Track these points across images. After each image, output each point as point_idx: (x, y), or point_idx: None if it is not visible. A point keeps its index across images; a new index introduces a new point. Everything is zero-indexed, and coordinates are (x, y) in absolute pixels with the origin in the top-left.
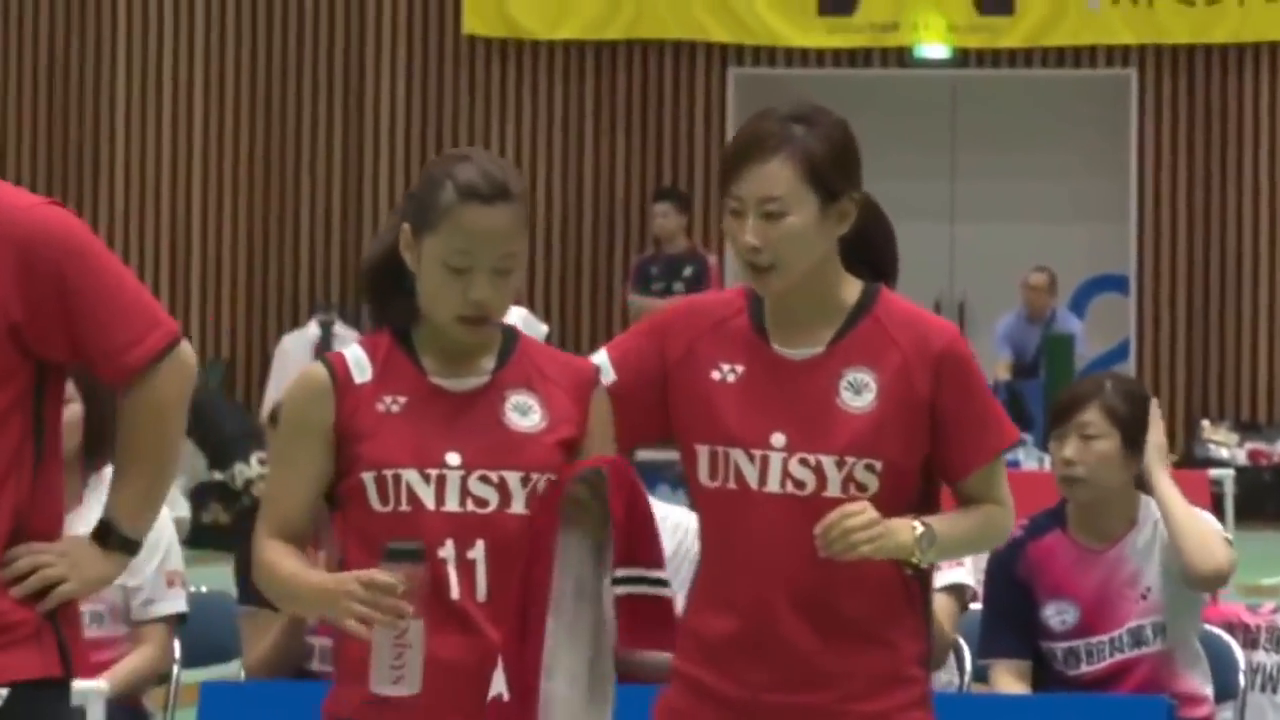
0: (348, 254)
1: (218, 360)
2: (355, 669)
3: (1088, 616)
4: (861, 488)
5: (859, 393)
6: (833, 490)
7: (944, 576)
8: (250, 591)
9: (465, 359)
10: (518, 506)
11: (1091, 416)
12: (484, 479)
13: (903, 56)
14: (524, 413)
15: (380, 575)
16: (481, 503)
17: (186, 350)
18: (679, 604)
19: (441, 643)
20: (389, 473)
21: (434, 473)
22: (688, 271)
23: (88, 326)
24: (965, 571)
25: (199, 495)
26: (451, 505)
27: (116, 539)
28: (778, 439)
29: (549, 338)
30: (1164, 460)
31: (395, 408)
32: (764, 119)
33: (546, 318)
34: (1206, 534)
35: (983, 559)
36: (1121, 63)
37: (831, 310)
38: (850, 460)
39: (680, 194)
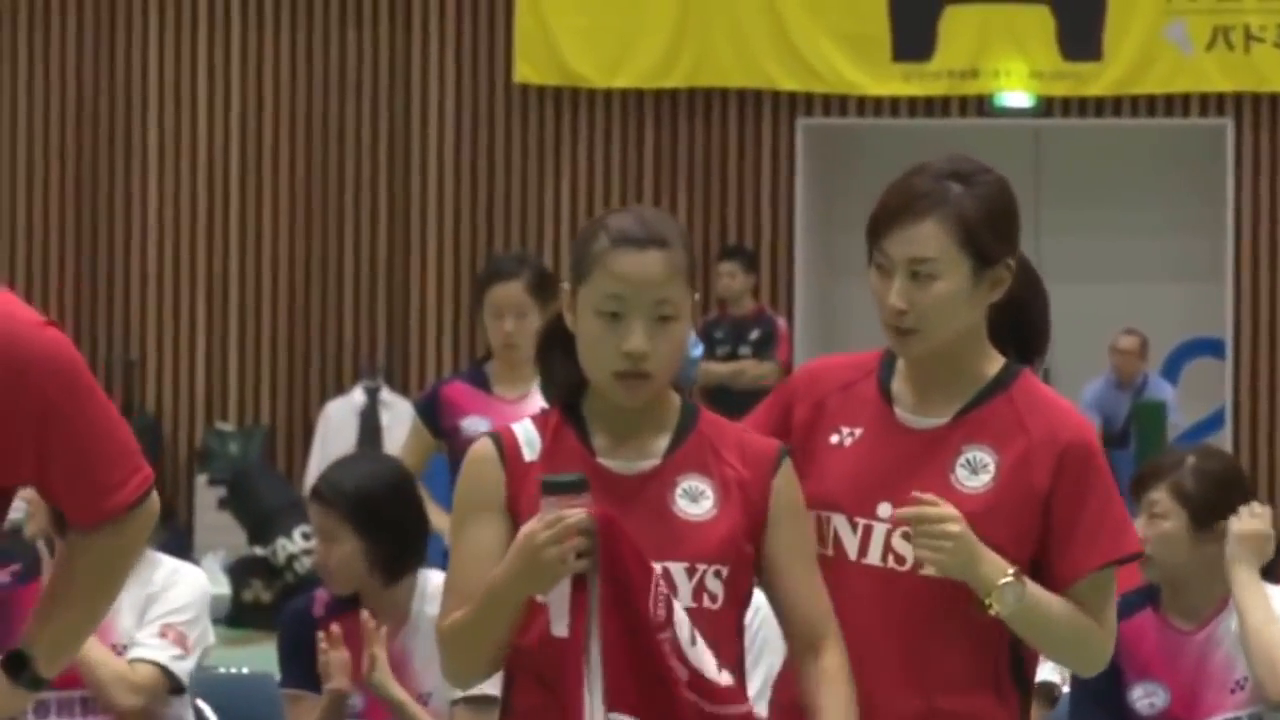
0: (394, 315)
1: (257, 427)
2: None
3: (1178, 702)
4: None
5: (976, 472)
6: (929, 568)
7: None
8: (294, 674)
9: (636, 436)
10: (684, 599)
11: (1158, 495)
12: None
13: (983, 105)
14: (694, 499)
15: (564, 512)
16: None
17: (154, 496)
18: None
19: None
20: None
21: None
22: (755, 334)
23: (67, 461)
24: (1052, 668)
25: (238, 571)
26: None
27: (28, 677)
28: (884, 509)
29: None
30: (1248, 554)
31: None
32: (920, 174)
33: None
34: (1275, 654)
35: None
36: (1217, 112)
37: (966, 382)
38: None
39: (747, 252)
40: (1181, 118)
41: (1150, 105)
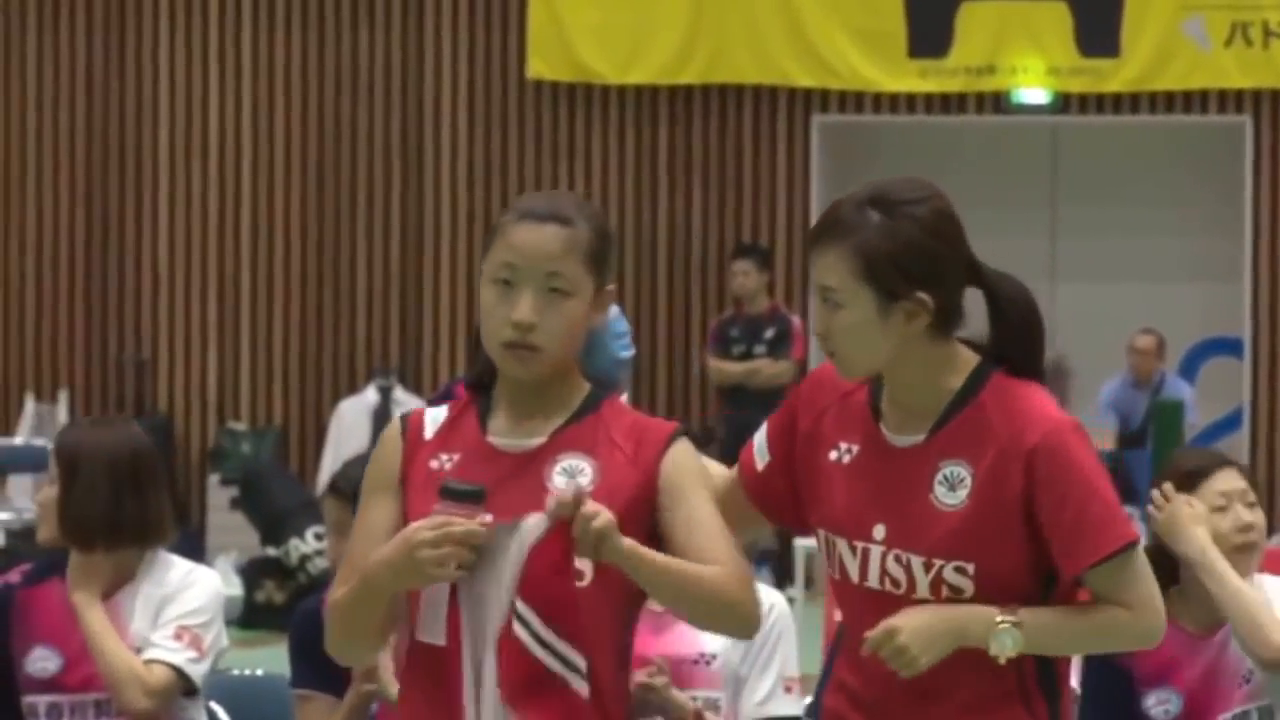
0: (407, 313)
1: (270, 428)
2: None
3: (1191, 705)
4: (956, 591)
5: (953, 488)
6: (922, 593)
7: None
8: (305, 674)
9: (531, 418)
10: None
11: (1245, 484)
12: None
13: (999, 102)
14: (570, 476)
15: (453, 521)
16: None
17: None
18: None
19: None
20: None
21: None
22: (770, 333)
23: None
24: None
25: (251, 572)
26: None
27: None
28: (879, 531)
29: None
30: (1202, 524)
31: (449, 464)
32: (846, 200)
33: None
34: (1257, 613)
35: None
36: (1235, 109)
37: (936, 397)
38: (938, 563)
39: (761, 250)
40: (1200, 115)
41: (1168, 102)
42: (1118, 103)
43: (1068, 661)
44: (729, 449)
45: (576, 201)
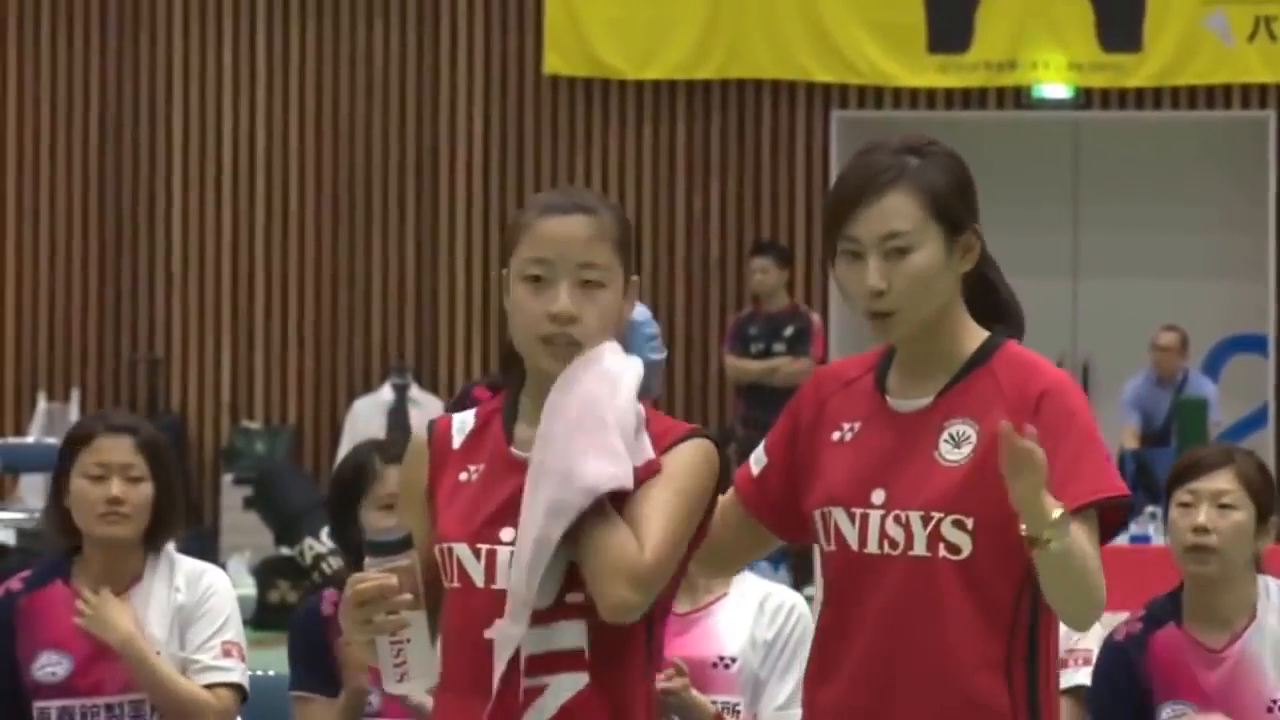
0: (423, 310)
1: (284, 427)
2: None
3: None
4: (952, 548)
5: (958, 445)
6: (919, 549)
7: (1068, 677)
8: (303, 676)
9: None
10: None
11: (1228, 484)
12: None
13: (1020, 97)
14: None
15: (367, 579)
16: None
17: None
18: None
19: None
20: (446, 547)
21: (485, 548)
22: (789, 331)
23: None
24: (1089, 672)
25: (265, 572)
26: (500, 583)
27: None
28: (878, 496)
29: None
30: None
31: (475, 476)
32: (873, 152)
33: None
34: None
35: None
36: (1259, 104)
37: (950, 360)
38: (936, 515)
39: (780, 247)
40: (1223, 110)
41: (1191, 97)
42: (1140, 98)
43: (1052, 645)
44: (748, 450)
45: (594, 194)
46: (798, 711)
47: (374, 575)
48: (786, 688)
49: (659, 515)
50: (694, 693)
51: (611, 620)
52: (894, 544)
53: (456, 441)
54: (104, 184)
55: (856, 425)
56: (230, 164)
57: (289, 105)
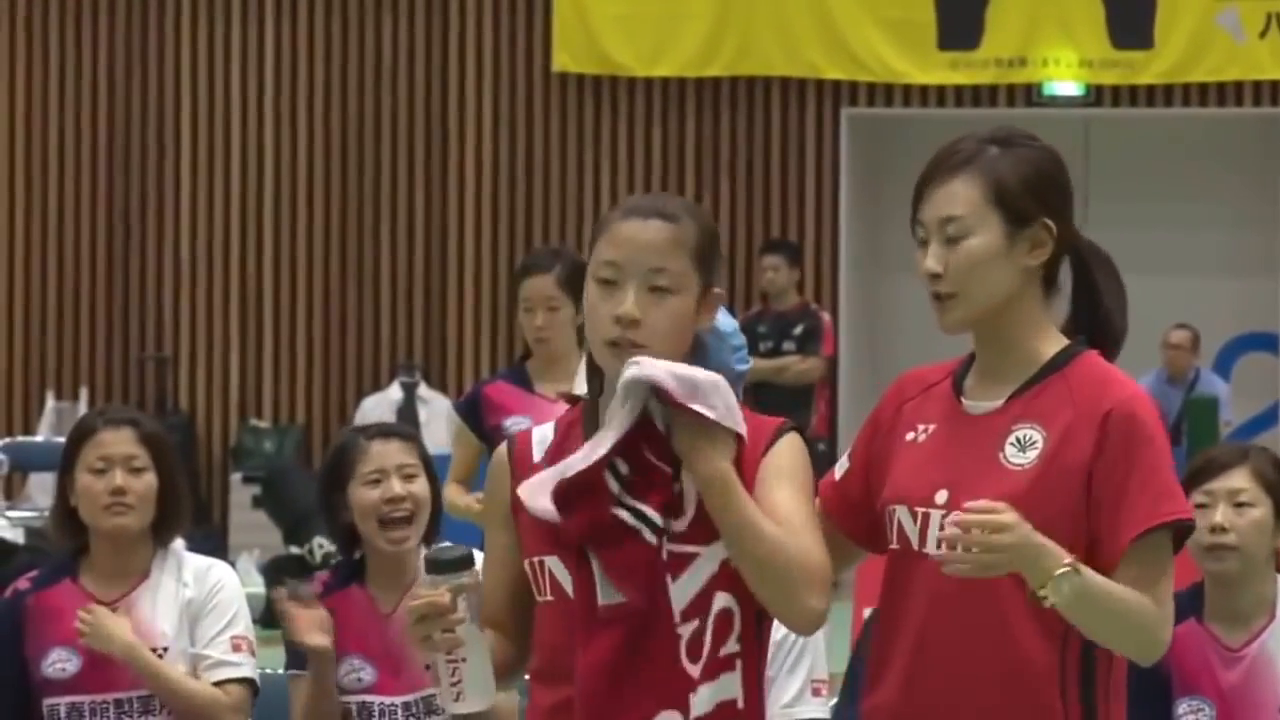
0: (431, 308)
1: (293, 425)
2: None
3: (1223, 718)
4: None
5: (1024, 449)
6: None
7: None
8: (296, 655)
9: None
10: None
11: (1243, 482)
12: None
13: (1031, 94)
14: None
15: (419, 596)
16: None
17: None
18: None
19: None
20: (537, 560)
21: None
22: (799, 330)
23: None
24: None
25: (273, 570)
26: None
27: None
28: (941, 495)
29: None
30: None
31: None
32: (962, 139)
33: None
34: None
35: None
36: (1270, 101)
37: (1027, 365)
38: None
39: (790, 245)
40: (1234, 107)
41: (1202, 94)
42: (1151, 95)
43: (1110, 654)
44: None
45: (684, 201)
46: (805, 709)
47: (427, 593)
48: (794, 685)
49: (802, 518)
50: None
51: (803, 632)
52: (954, 547)
53: (537, 455)
54: (112, 181)
55: (931, 427)
56: (238, 162)
57: (297, 103)
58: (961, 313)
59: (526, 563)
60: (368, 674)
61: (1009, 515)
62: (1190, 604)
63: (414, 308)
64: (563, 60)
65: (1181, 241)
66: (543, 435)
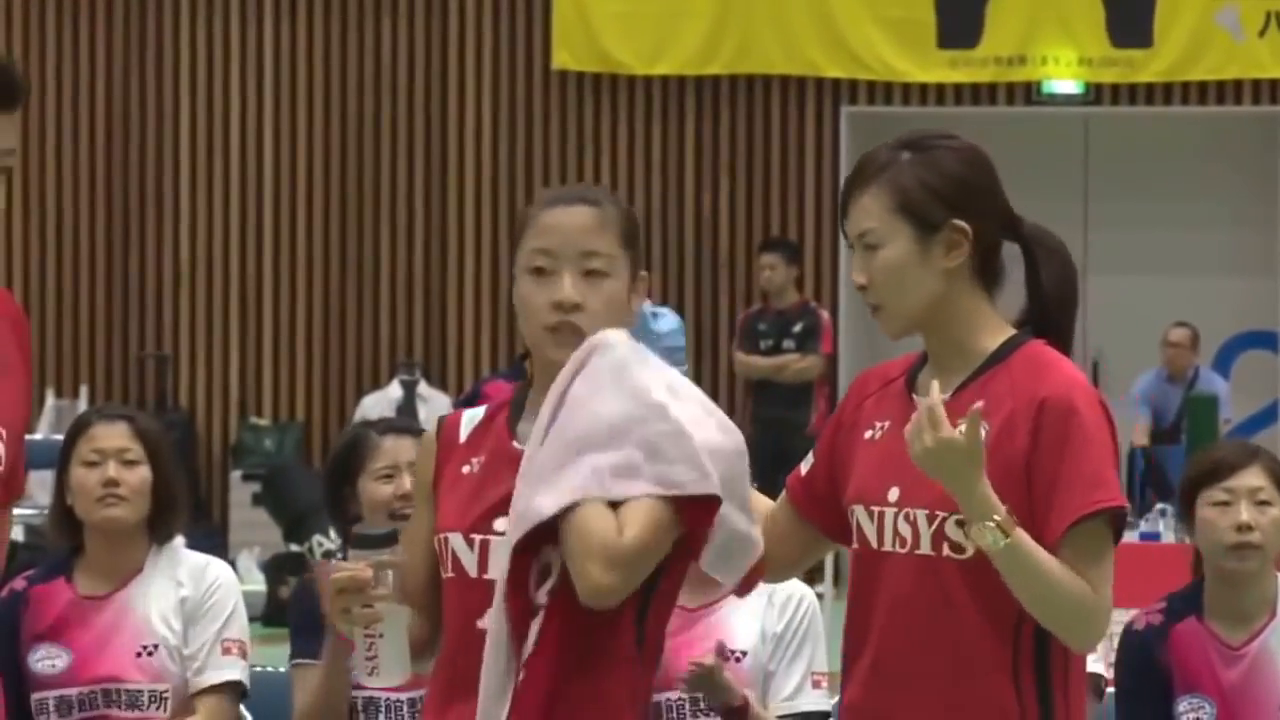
0: (431, 306)
1: (293, 424)
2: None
3: (1224, 716)
4: (956, 548)
5: None
6: (924, 548)
7: None
8: (303, 645)
9: None
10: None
11: (1258, 481)
12: None
13: (1030, 93)
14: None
15: (343, 569)
16: None
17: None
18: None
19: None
20: (443, 536)
21: (478, 538)
22: (798, 328)
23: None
24: (1096, 659)
25: (274, 568)
26: (494, 573)
27: None
28: (893, 493)
29: None
30: None
31: (476, 468)
32: (877, 148)
33: None
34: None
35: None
36: (1270, 99)
37: (969, 357)
38: (940, 514)
39: (788, 244)
40: (1233, 105)
41: (1201, 93)
42: (1150, 93)
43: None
44: (757, 447)
45: (600, 188)
46: (805, 701)
47: (350, 565)
48: (794, 679)
49: (642, 503)
50: (727, 675)
51: (589, 603)
52: (904, 542)
53: (463, 435)
54: (111, 180)
55: (887, 424)
56: (238, 160)
57: (297, 100)
58: (892, 323)
59: (435, 538)
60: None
61: (950, 434)
62: (1189, 602)
63: (414, 305)
64: (563, 58)
65: (1181, 240)
66: (471, 418)
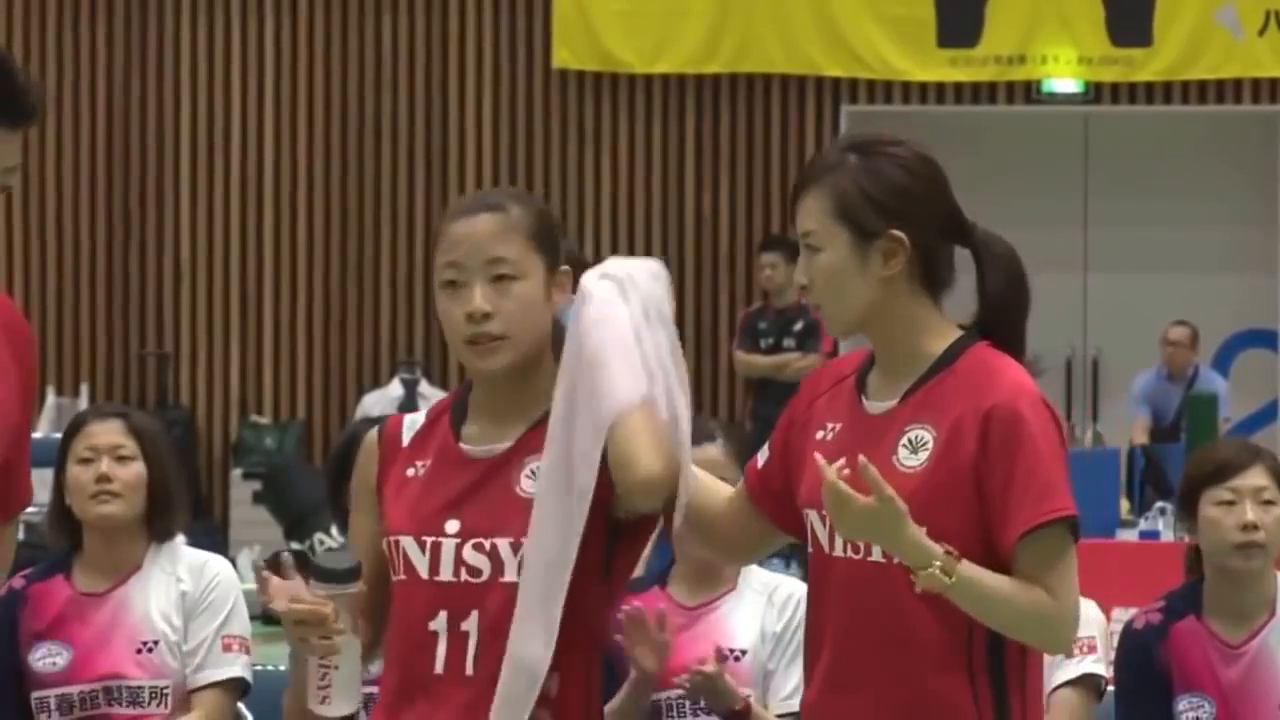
0: (432, 305)
1: (294, 422)
2: None
3: (1224, 715)
4: None
5: (915, 451)
6: (876, 555)
7: (1074, 666)
8: None
9: (505, 418)
10: (511, 575)
11: (1264, 480)
12: (478, 547)
13: (1030, 91)
14: (535, 477)
15: (303, 601)
16: (475, 572)
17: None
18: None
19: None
20: (394, 539)
21: (429, 540)
22: (799, 326)
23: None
24: (1096, 659)
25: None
26: (445, 575)
27: None
28: None
29: None
30: None
31: (422, 471)
32: (829, 149)
33: None
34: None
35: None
36: (1269, 98)
37: (915, 361)
38: None
39: (790, 242)
40: (1233, 104)
41: (1201, 92)
42: (1150, 92)
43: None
44: (757, 445)
45: (511, 190)
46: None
47: (311, 599)
48: (793, 678)
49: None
50: (728, 679)
51: (640, 497)
52: (855, 548)
53: (406, 439)
54: (111, 178)
55: (838, 426)
56: (238, 158)
57: (297, 99)
58: (833, 325)
59: (384, 541)
60: (376, 666)
61: (888, 504)
62: (1189, 601)
63: (414, 304)
64: (563, 57)
65: (1180, 238)
66: (413, 421)
